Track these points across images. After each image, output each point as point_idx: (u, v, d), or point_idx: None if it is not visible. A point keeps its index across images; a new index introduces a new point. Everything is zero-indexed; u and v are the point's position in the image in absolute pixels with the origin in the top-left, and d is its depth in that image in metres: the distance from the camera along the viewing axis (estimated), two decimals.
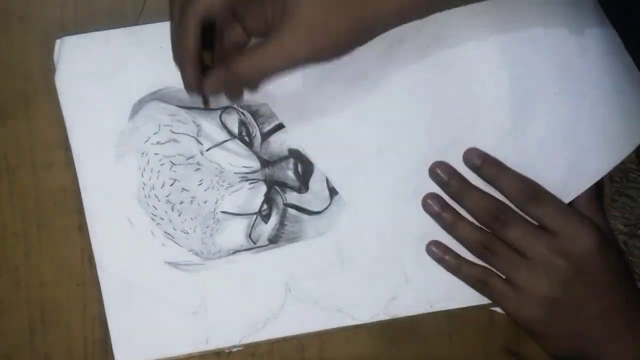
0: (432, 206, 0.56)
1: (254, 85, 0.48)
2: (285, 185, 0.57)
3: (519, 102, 0.55)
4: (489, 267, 0.56)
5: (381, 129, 0.56)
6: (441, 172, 0.56)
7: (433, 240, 0.57)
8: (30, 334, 0.57)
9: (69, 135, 0.55)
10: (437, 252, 0.57)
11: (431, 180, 0.56)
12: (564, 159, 0.56)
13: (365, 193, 0.57)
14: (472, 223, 0.56)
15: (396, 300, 0.58)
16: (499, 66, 0.55)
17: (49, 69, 0.55)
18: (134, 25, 0.56)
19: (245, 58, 0.47)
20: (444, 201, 0.56)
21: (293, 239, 0.57)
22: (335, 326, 0.58)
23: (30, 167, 0.57)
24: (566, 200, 0.56)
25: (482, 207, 0.55)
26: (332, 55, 0.48)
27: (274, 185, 0.57)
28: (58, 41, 0.55)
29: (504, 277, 0.56)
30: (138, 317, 0.56)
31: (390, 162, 0.56)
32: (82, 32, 0.55)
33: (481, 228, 0.56)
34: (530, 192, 0.55)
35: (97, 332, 0.57)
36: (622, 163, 0.57)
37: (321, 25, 0.46)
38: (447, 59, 0.55)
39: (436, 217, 0.56)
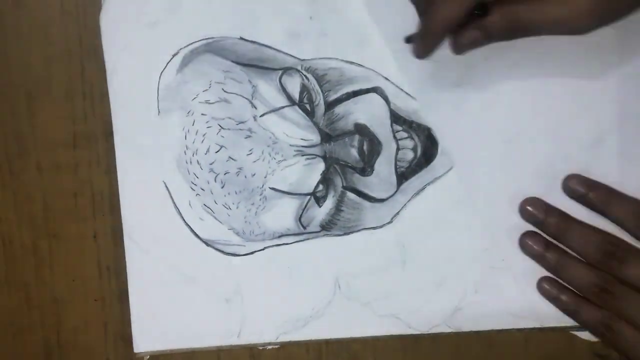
0: (532, 246, 0.53)
1: (530, 33, 0.45)
2: (347, 165, 0.53)
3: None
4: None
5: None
6: (535, 210, 0.53)
7: (546, 277, 0.53)
8: (46, 359, 0.55)
9: (108, 81, 0.53)
10: (551, 290, 0.53)
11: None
12: None
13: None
14: (582, 262, 0.52)
15: (461, 312, 0.54)
16: None
17: (51, 58, 0.53)
18: None
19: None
20: (546, 239, 0.53)
21: (349, 227, 0.54)
22: (386, 333, 0.55)
23: (35, 170, 0.55)
24: None
25: (592, 244, 0.51)
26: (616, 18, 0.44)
27: (334, 164, 0.53)
28: None
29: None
30: (163, 299, 0.54)
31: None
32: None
33: (594, 267, 0.51)
34: None
35: (120, 353, 0.55)
36: None
37: None
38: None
39: (539, 258, 0.53)
